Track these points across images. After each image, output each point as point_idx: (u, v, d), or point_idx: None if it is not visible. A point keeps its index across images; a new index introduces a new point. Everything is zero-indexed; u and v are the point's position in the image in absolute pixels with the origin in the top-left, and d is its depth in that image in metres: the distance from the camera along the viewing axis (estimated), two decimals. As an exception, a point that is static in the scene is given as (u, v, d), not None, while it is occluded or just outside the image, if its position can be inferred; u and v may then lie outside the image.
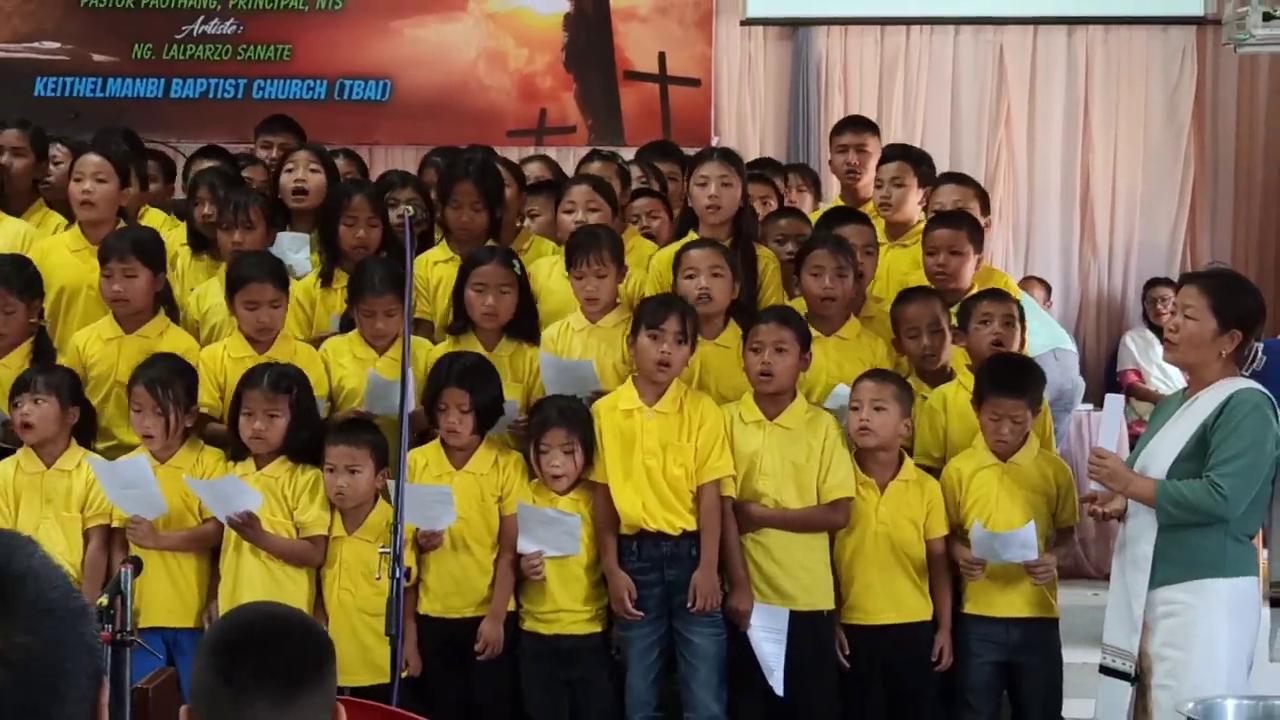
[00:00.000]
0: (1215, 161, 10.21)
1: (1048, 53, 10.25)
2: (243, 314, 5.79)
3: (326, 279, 6.23)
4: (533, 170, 7.48)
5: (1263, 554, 5.19)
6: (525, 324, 5.96)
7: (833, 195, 7.85)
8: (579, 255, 5.85)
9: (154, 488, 5.37)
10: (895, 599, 5.60)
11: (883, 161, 6.98)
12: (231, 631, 2.65)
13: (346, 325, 6.06)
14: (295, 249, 6.32)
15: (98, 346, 5.89)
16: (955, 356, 6.04)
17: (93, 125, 8.63)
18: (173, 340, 5.90)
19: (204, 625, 5.42)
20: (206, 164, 7.10)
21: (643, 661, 5.54)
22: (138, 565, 5.32)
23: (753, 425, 5.63)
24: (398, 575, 4.72)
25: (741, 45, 10.39)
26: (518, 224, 6.76)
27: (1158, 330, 9.40)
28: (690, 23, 10.31)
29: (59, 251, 6.29)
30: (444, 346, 5.91)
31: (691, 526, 5.53)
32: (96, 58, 10.42)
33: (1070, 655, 5.76)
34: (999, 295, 6.02)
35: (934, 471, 5.80)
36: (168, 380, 5.50)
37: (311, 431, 5.57)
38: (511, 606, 5.59)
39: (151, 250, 5.95)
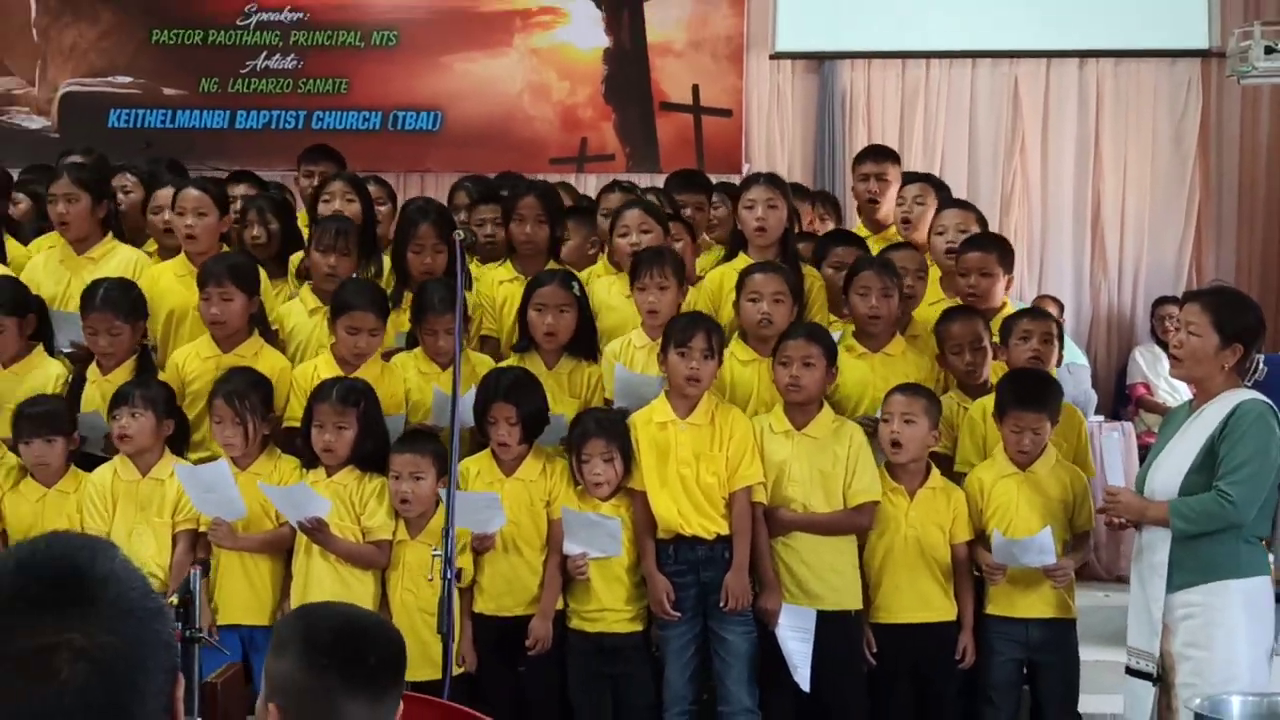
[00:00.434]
0: (1219, 186, 10.18)
1: (1060, 84, 10.24)
2: (343, 337, 5.81)
3: (395, 300, 6.22)
4: (614, 200, 7.39)
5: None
6: (585, 343, 5.98)
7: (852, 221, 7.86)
8: (643, 269, 5.87)
9: (234, 492, 5.40)
10: (922, 600, 5.60)
11: (906, 183, 7.01)
12: (327, 634, 2.67)
13: (411, 343, 6.07)
14: None
15: (196, 364, 5.92)
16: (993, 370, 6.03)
17: (163, 155, 8.70)
18: (267, 359, 5.93)
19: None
20: (240, 187, 7.13)
21: (680, 658, 5.54)
22: (205, 567, 5.39)
23: (782, 435, 5.63)
24: (448, 576, 4.73)
25: (770, 78, 10.40)
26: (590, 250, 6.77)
27: (1165, 345, 9.38)
28: (722, 56, 10.33)
29: (167, 277, 6.32)
30: (509, 364, 5.91)
31: (724, 531, 5.54)
32: (167, 91, 10.48)
33: (1084, 653, 5.75)
34: (1039, 314, 6.13)
35: (951, 477, 5.80)
36: (244, 392, 5.54)
37: (378, 442, 5.57)
38: (560, 605, 5.61)
39: (246, 275, 5.97)
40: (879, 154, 7.30)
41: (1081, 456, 5.92)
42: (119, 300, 5.91)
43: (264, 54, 10.43)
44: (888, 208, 6.93)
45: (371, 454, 5.55)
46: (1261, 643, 4.91)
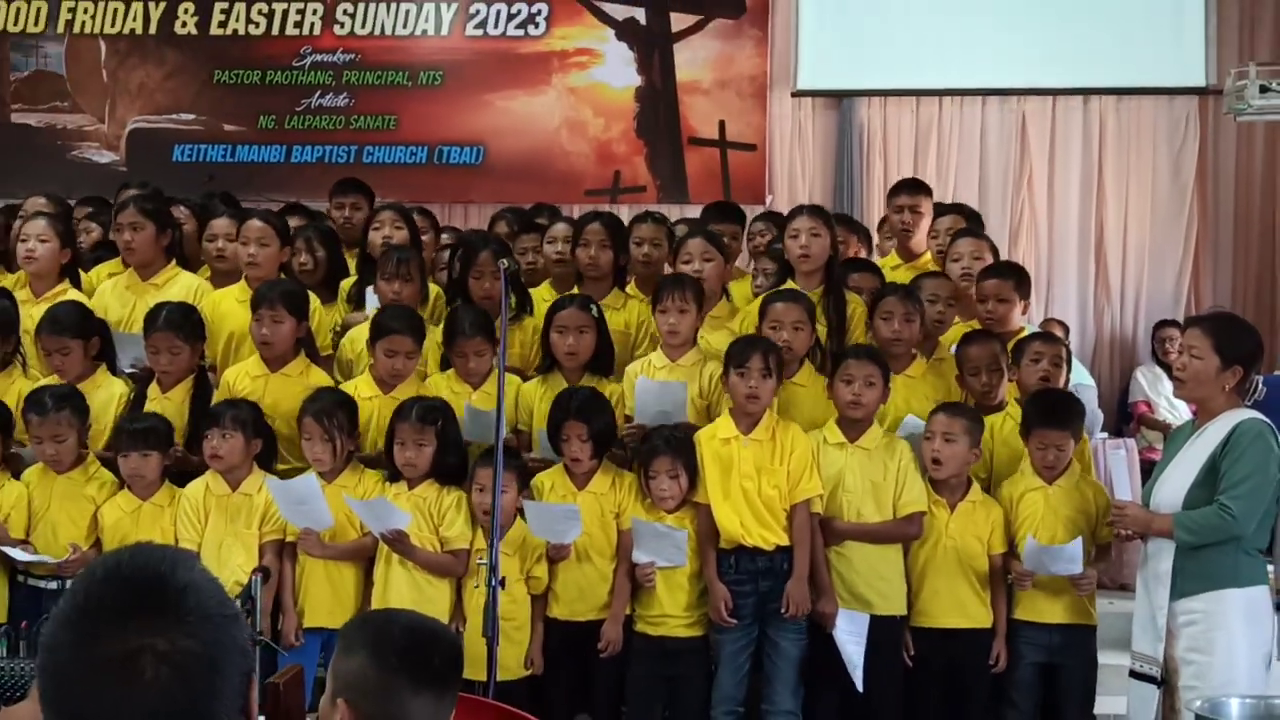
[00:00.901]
0: (1216, 216, 10.16)
1: (1065, 120, 10.24)
2: (381, 359, 5.86)
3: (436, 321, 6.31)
4: (681, 231, 7.46)
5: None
6: (603, 362, 6.00)
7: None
8: (665, 292, 5.90)
9: (322, 504, 5.43)
10: (959, 606, 5.60)
11: (939, 215, 7.02)
12: (396, 636, 2.71)
13: (444, 365, 6.12)
14: (371, 301, 6.40)
15: (246, 382, 5.95)
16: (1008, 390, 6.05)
17: (227, 187, 8.75)
18: (313, 378, 5.98)
19: None
20: (292, 219, 7.12)
21: (733, 662, 5.54)
22: (265, 574, 5.40)
23: (835, 447, 5.64)
24: (493, 584, 4.75)
25: (792, 114, 10.41)
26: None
27: (1165, 366, 9.40)
28: (747, 94, 10.35)
29: (228, 302, 6.36)
30: (534, 383, 5.97)
31: (783, 542, 5.53)
32: (227, 127, 10.50)
33: (1092, 658, 5.80)
34: (1050, 338, 6.16)
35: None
36: (332, 411, 5.58)
37: (455, 457, 5.62)
38: (627, 610, 5.64)
39: (297, 301, 6.00)
40: (913, 187, 7.33)
41: (1085, 473, 5.90)
42: (180, 322, 5.95)
43: (318, 92, 10.45)
44: (920, 236, 7.01)
45: (450, 468, 5.59)
46: (1260, 648, 4.92)
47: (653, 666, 5.59)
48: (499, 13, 10.38)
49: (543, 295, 6.49)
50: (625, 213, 9.33)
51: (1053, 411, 5.62)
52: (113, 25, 10.52)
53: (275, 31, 10.47)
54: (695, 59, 10.36)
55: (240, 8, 10.45)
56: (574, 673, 5.61)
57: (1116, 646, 5.73)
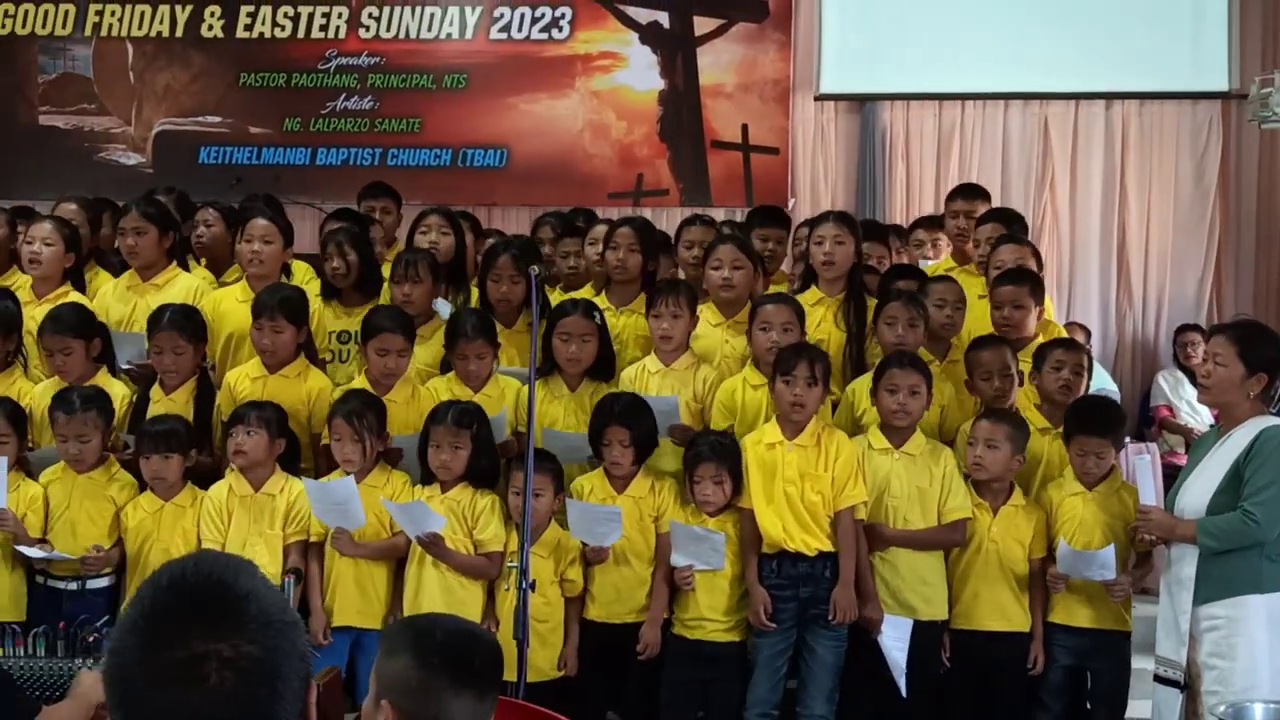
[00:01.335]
0: (1238, 221, 10.17)
1: (1087, 124, 10.25)
2: (374, 359, 5.88)
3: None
4: (695, 233, 7.35)
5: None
6: (604, 367, 6.02)
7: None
8: (659, 298, 5.94)
9: (357, 504, 5.43)
10: (999, 609, 5.61)
11: (982, 221, 7.02)
12: (438, 638, 2.77)
13: (445, 367, 6.11)
14: (445, 306, 6.41)
15: (246, 384, 5.97)
16: (1022, 394, 6.03)
17: (253, 188, 8.77)
18: (312, 380, 6.02)
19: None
20: (336, 224, 7.13)
21: (770, 666, 5.52)
22: (298, 575, 5.44)
23: (881, 453, 5.65)
24: (523, 587, 4.77)
25: (815, 118, 10.43)
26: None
27: (1187, 371, 9.41)
28: (770, 98, 10.36)
29: (228, 301, 6.41)
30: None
31: (826, 548, 5.51)
32: (253, 130, 10.53)
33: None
34: (1072, 345, 6.10)
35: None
36: (362, 412, 5.59)
37: (489, 460, 5.63)
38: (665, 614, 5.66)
39: (296, 308, 6.03)
40: (970, 192, 7.35)
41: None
42: (183, 323, 5.98)
43: (343, 95, 10.49)
44: (975, 243, 6.97)
45: (483, 471, 5.60)
46: (1280, 654, 4.97)
47: (688, 670, 5.58)
48: (523, 16, 10.41)
49: (586, 298, 6.45)
50: (648, 216, 9.39)
51: (1095, 419, 5.64)
52: (140, 28, 10.56)
53: (301, 35, 10.50)
54: (718, 62, 10.37)
55: (266, 11, 10.49)
56: (608, 674, 5.61)
57: (1140, 650, 5.76)
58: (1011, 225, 6.99)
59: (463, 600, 5.44)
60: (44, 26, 10.62)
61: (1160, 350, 10.08)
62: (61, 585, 5.62)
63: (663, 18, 10.39)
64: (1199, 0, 10.01)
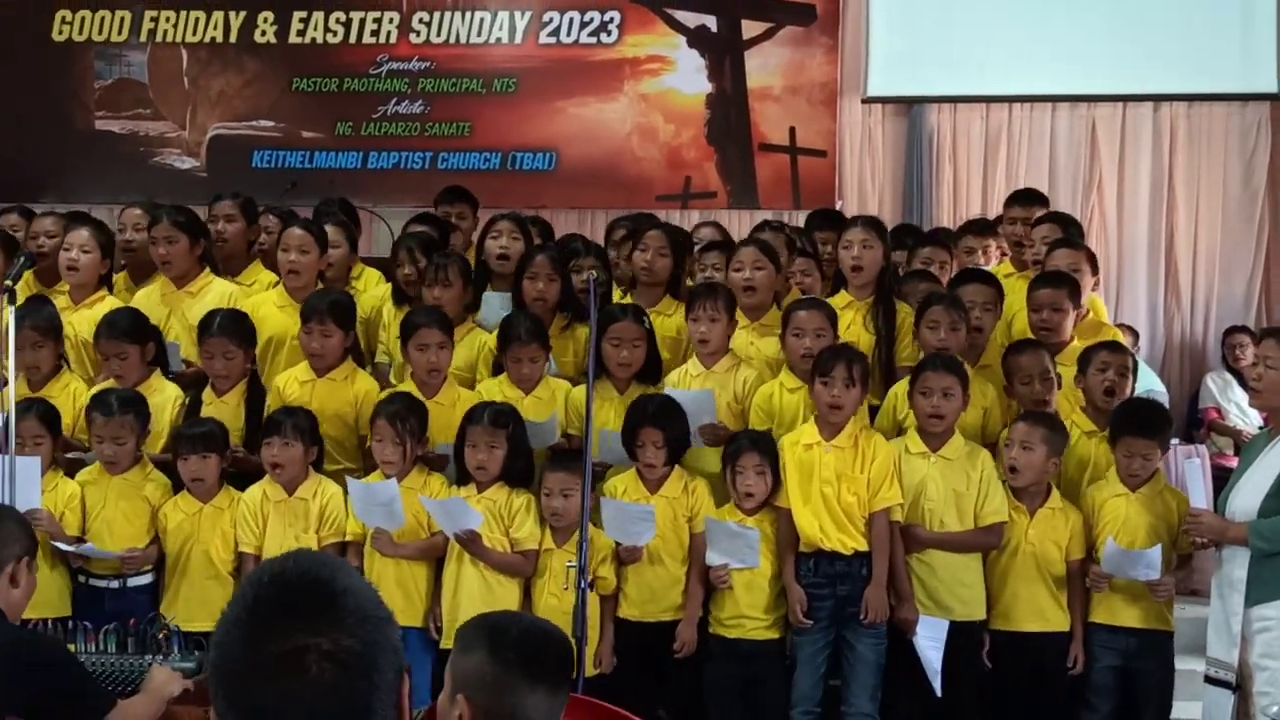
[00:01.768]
0: (1288, 223, 10.10)
1: (1135, 126, 10.21)
2: (414, 356, 5.92)
3: None
4: (705, 233, 7.49)
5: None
6: (651, 371, 6.04)
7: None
8: (697, 302, 5.93)
9: (399, 505, 5.46)
10: (1038, 610, 5.57)
11: (1037, 223, 7.02)
12: (512, 635, 2.77)
13: (497, 369, 6.13)
14: (502, 305, 6.41)
15: (295, 388, 6.02)
16: (1064, 398, 5.99)
17: (307, 192, 8.88)
18: (360, 383, 6.07)
19: (428, 625, 5.56)
20: (414, 229, 7.14)
21: (811, 663, 5.53)
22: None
23: (918, 456, 5.62)
24: (582, 585, 4.83)
25: (862, 121, 10.42)
26: (688, 281, 6.80)
27: (1235, 372, 9.38)
28: (817, 101, 10.36)
29: (267, 306, 6.42)
30: (583, 388, 5.84)
31: (862, 547, 5.52)
32: (305, 134, 10.61)
33: (1164, 661, 5.75)
34: (1117, 347, 6.03)
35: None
36: (404, 415, 5.61)
37: (524, 460, 5.63)
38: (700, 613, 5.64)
39: (344, 312, 6.08)
40: (1028, 199, 7.34)
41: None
42: (233, 328, 6.04)
43: (394, 100, 10.54)
44: (1038, 248, 6.89)
45: (518, 471, 5.61)
46: (1332, 656, 4.90)
47: (730, 669, 5.59)
48: (572, 21, 10.44)
49: (635, 303, 6.43)
50: (695, 218, 9.45)
51: (1142, 421, 5.60)
52: (194, 34, 10.65)
53: (352, 40, 10.57)
54: (766, 66, 10.37)
55: (318, 17, 10.55)
56: (647, 672, 5.61)
57: (1189, 652, 5.77)
58: (1068, 229, 6.93)
59: (500, 598, 5.45)
60: (100, 33, 10.70)
61: (1209, 352, 10.02)
62: (103, 584, 5.67)
63: (710, 22, 10.39)
64: (1248, 1, 9.97)
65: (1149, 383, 7.56)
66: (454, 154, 10.51)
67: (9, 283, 5.23)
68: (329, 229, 6.80)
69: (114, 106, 10.74)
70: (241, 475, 5.91)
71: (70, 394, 6.05)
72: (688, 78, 10.45)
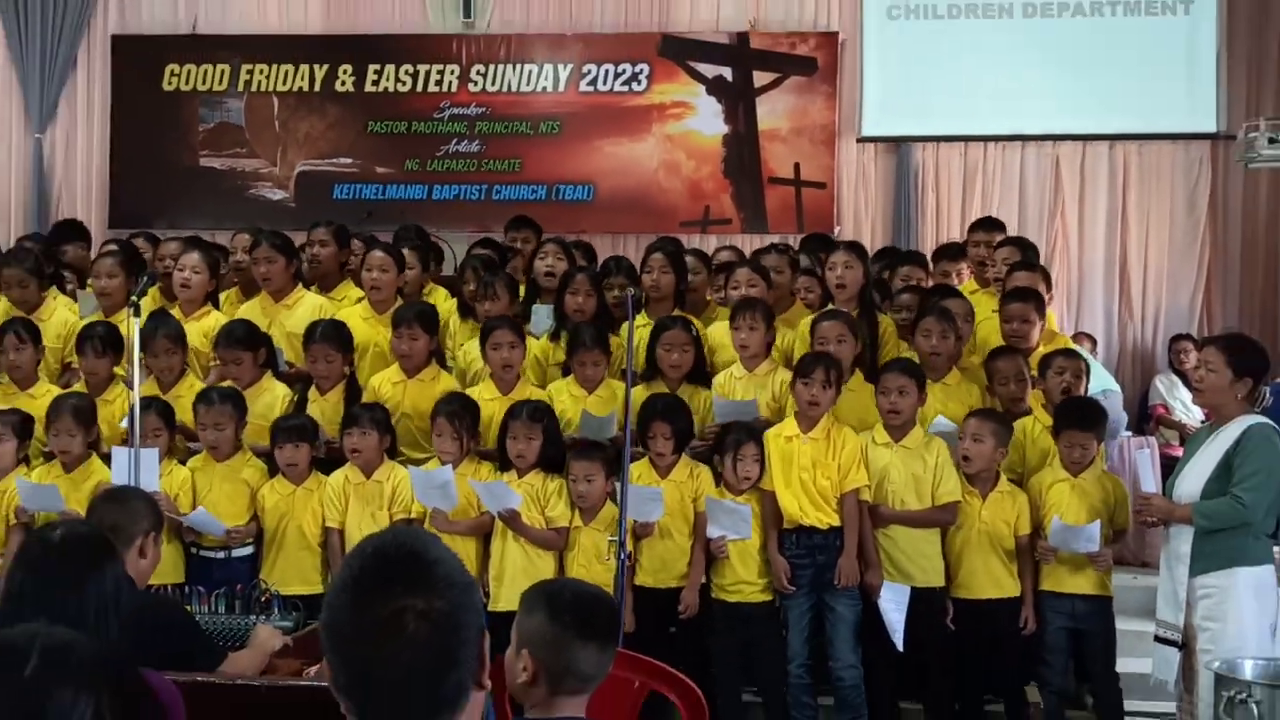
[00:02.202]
0: (1225, 246, 10.05)
1: (1093, 162, 10.15)
2: (490, 355, 6.01)
3: (555, 336, 6.41)
4: (724, 255, 7.50)
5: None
6: (699, 372, 6.11)
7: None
8: (739, 312, 6.01)
9: (453, 489, 5.56)
10: (994, 579, 5.67)
11: (999, 246, 7.03)
12: (568, 599, 2.83)
13: (565, 371, 6.21)
14: (546, 316, 6.49)
15: (388, 388, 6.14)
16: (1032, 397, 6.06)
17: (380, 221, 8.92)
18: (443, 383, 6.12)
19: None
20: (477, 252, 7.25)
21: (798, 624, 5.65)
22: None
23: (883, 446, 5.73)
24: (622, 557, 4.88)
25: (857, 157, 10.37)
26: (708, 297, 6.86)
27: (1180, 374, 9.38)
28: (818, 141, 10.31)
29: (354, 318, 6.49)
30: (639, 389, 5.99)
31: (836, 523, 5.61)
32: (379, 169, 10.57)
33: (1119, 624, 5.78)
34: (1071, 354, 6.12)
35: (1015, 482, 5.84)
36: (461, 413, 5.73)
37: (557, 450, 5.71)
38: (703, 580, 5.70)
39: (429, 320, 6.20)
40: (989, 225, 7.39)
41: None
42: (333, 336, 6.15)
43: (455, 140, 10.51)
44: (998, 269, 6.95)
45: (552, 459, 5.70)
46: (1266, 618, 4.94)
47: (733, 632, 5.66)
48: (607, 72, 10.42)
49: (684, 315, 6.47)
50: (713, 241, 9.47)
51: (1080, 416, 5.71)
52: (284, 84, 10.66)
53: (419, 89, 10.55)
54: (774, 110, 10.33)
55: (390, 69, 10.55)
56: (661, 633, 5.67)
57: (1141, 615, 5.82)
58: (1026, 252, 7.00)
59: (539, 569, 5.52)
60: (204, 84, 10.72)
61: (1157, 357, 9.99)
62: (211, 554, 5.77)
63: (726, 73, 10.36)
64: (1191, 52, 9.89)
65: (1105, 383, 7.53)
66: (506, 186, 10.48)
67: (134, 298, 5.31)
68: (406, 252, 6.87)
69: (215, 146, 10.76)
70: (333, 461, 5.97)
71: (193, 393, 6.14)
72: (707, 121, 10.42)
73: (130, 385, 5.74)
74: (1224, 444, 5.05)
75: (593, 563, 5.52)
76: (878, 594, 5.57)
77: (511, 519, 5.57)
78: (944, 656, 5.65)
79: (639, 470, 5.69)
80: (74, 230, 8.29)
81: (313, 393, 6.20)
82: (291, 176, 10.72)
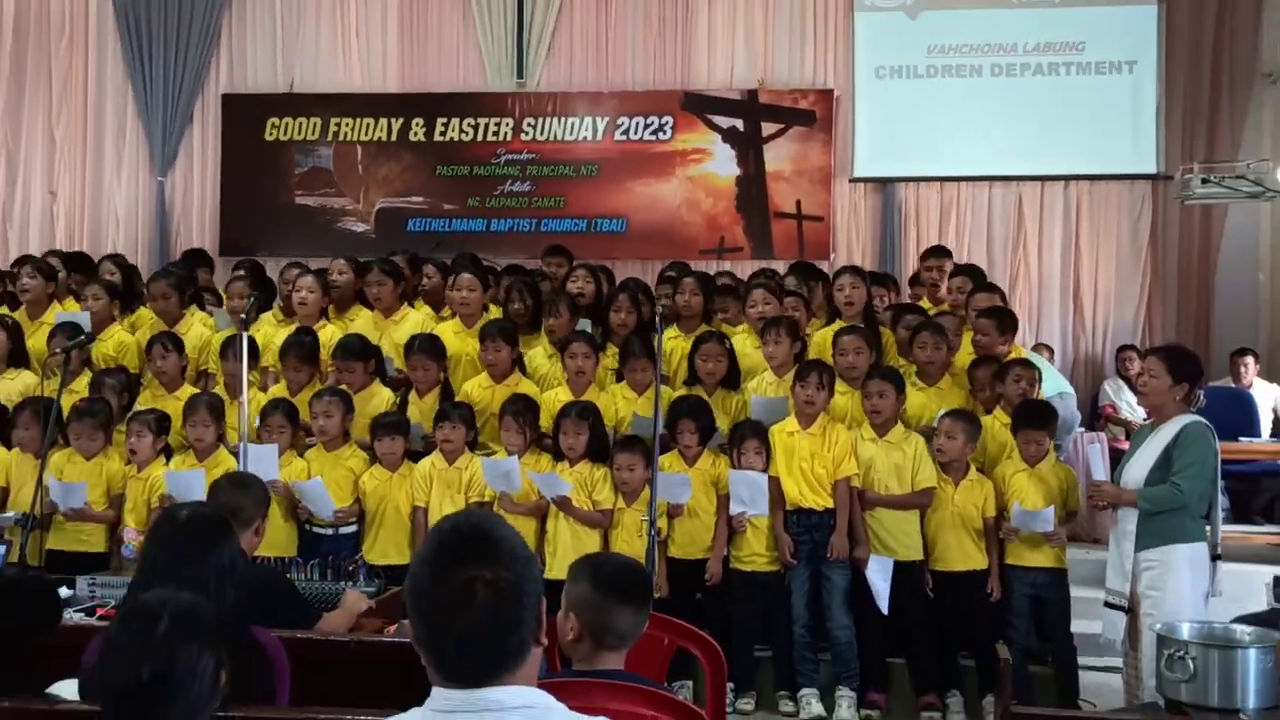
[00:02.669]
0: (1164, 269, 9.99)
1: (1051, 199, 10.10)
2: (568, 362, 6.03)
3: (601, 347, 6.41)
4: (724, 280, 7.53)
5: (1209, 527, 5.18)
6: (732, 378, 6.13)
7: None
8: (768, 329, 6.03)
9: (517, 476, 5.58)
10: (964, 554, 5.68)
11: (954, 274, 7.03)
12: (608, 569, 2.87)
13: (619, 377, 6.23)
14: (588, 328, 6.49)
15: (478, 392, 6.18)
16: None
17: (447, 250, 8.87)
18: (523, 386, 6.16)
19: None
20: (514, 275, 7.28)
21: (800, 590, 5.68)
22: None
23: (870, 440, 5.74)
24: (652, 534, 4.89)
25: (849, 195, 10.34)
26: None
27: (1125, 379, 9.34)
28: (817, 181, 10.29)
29: (448, 333, 6.51)
30: (680, 392, 6.06)
31: (830, 505, 5.65)
32: (446, 206, 10.57)
33: (1074, 592, 5.78)
34: (1027, 364, 6.12)
35: (980, 470, 5.84)
36: (524, 411, 5.75)
37: (602, 443, 5.74)
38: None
39: (510, 335, 6.21)
40: (939, 252, 7.40)
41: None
42: (430, 348, 6.18)
43: (509, 181, 10.51)
44: (944, 289, 7.00)
45: (598, 450, 5.72)
46: (1199, 587, 4.96)
47: (750, 597, 5.66)
48: (637, 123, 10.43)
49: (669, 334, 6.48)
50: (727, 267, 9.47)
51: (1036, 417, 5.73)
52: (367, 135, 10.70)
53: (479, 138, 10.57)
54: (779, 155, 10.33)
55: (455, 121, 10.57)
56: (689, 598, 5.68)
57: (1092, 584, 5.79)
58: (977, 276, 7.02)
59: (586, 545, 5.53)
60: (299, 135, 10.77)
61: (1106, 364, 9.95)
62: (321, 531, 5.79)
63: (739, 124, 10.37)
64: (1134, 106, 9.88)
65: (1061, 386, 7.48)
66: (552, 220, 10.48)
67: (243, 316, 5.37)
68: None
69: (309, 187, 10.81)
70: (428, 453, 5.97)
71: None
72: (722, 164, 10.41)
73: (264, 389, 5.84)
74: (1164, 439, 5.05)
75: (633, 539, 5.52)
76: (865, 565, 5.59)
77: (563, 503, 5.58)
78: (924, 620, 5.66)
79: (669, 460, 5.71)
80: (202, 257, 8.37)
81: (412, 395, 6.24)
82: (372, 212, 10.74)
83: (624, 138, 10.51)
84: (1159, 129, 9.89)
